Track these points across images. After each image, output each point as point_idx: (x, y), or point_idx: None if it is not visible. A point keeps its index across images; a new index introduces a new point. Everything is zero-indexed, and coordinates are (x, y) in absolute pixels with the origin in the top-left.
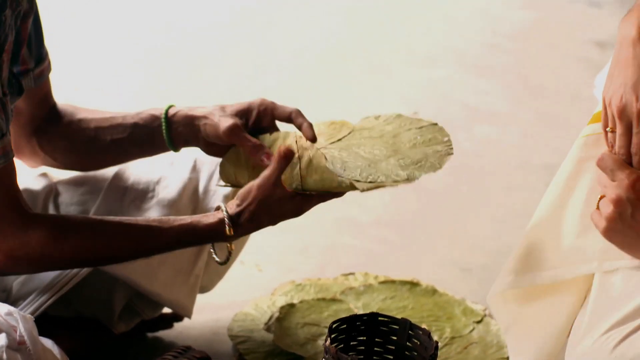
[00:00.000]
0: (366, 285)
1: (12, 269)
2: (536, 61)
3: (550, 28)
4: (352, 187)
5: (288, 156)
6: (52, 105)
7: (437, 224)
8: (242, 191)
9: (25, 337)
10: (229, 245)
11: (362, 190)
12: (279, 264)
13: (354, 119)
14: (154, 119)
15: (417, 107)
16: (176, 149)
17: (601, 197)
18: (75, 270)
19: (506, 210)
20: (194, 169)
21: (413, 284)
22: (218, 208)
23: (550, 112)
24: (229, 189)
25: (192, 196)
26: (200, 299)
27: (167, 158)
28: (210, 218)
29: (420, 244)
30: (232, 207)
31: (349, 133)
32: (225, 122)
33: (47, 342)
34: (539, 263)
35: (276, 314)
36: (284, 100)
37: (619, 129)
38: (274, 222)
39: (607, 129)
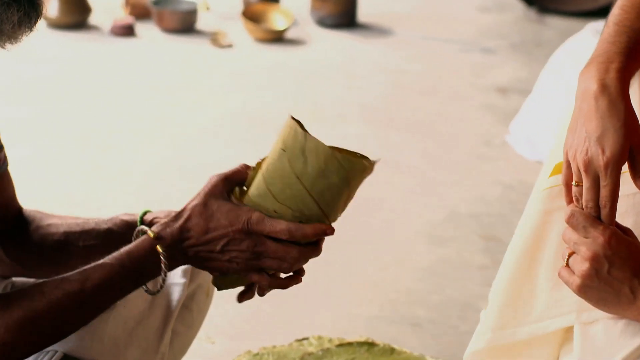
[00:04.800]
0: (323, 349)
1: None
2: (442, 111)
3: (450, 78)
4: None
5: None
6: (18, 210)
7: (379, 279)
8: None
9: None
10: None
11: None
12: (229, 333)
13: None
14: (127, 225)
15: None
16: None
17: (570, 254)
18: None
19: (442, 263)
20: None
21: (370, 344)
22: None
23: (466, 161)
24: None
25: None
26: None
27: None
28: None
29: (365, 301)
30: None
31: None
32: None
33: None
34: (516, 318)
35: None
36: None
37: (585, 183)
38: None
39: (573, 182)
